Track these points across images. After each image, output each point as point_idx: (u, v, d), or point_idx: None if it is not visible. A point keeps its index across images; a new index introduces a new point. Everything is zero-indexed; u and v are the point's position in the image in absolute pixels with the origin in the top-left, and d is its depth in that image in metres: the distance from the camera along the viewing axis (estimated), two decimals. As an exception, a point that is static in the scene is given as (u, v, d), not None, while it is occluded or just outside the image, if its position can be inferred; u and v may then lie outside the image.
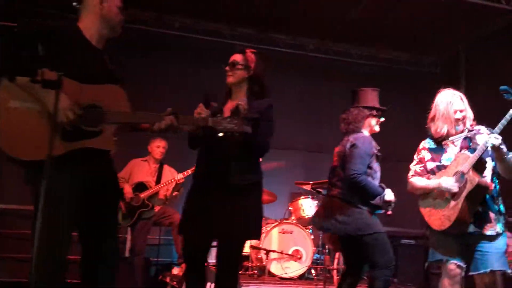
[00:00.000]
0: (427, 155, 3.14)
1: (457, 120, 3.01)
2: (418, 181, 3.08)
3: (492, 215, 2.96)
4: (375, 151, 3.27)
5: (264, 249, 4.90)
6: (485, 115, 7.58)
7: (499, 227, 2.96)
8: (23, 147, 1.98)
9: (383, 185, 3.25)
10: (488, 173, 2.95)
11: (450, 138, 3.03)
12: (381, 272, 3.07)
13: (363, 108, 3.35)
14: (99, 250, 2.17)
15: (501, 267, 2.91)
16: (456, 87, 8.05)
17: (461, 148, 3.03)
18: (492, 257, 2.91)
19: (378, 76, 8.07)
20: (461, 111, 3.02)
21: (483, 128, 2.98)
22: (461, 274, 3.03)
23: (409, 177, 3.13)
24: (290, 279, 4.88)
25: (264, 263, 4.95)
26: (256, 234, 2.69)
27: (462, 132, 3.02)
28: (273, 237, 5.01)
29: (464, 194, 2.88)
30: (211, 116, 2.34)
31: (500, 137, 2.79)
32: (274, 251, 4.93)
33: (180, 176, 5.00)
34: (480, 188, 2.87)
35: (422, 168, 3.13)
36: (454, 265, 3.01)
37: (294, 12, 6.82)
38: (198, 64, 6.98)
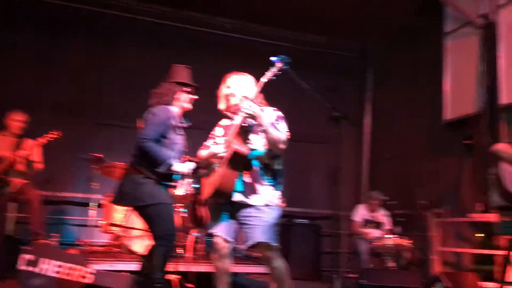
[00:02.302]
0: (218, 132, 3.35)
1: (226, 95, 3.24)
2: (201, 152, 3.29)
3: (259, 186, 3.05)
4: (175, 123, 3.24)
5: (125, 227, 4.85)
6: (394, 98, 7.73)
7: (268, 199, 3.04)
8: None
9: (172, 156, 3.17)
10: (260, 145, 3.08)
11: (230, 113, 3.26)
12: (160, 242, 3.05)
13: (174, 84, 3.35)
14: None
15: (266, 240, 2.96)
16: (368, 70, 8.27)
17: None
18: (259, 229, 2.97)
19: (296, 58, 8.06)
20: (228, 87, 3.24)
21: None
22: (228, 248, 3.09)
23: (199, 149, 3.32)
24: (152, 256, 4.83)
25: (125, 241, 4.90)
26: None
27: (236, 105, 3.20)
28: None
29: (226, 161, 2.99)
30: None
31: (252, 105, 2.91)
32: (136, 229, 4.87)
33: (42, 140, 4.84)
34: (238, 156, 2.97)
35: (212, 143, 3.31)
36: (220, 239, 3.08)
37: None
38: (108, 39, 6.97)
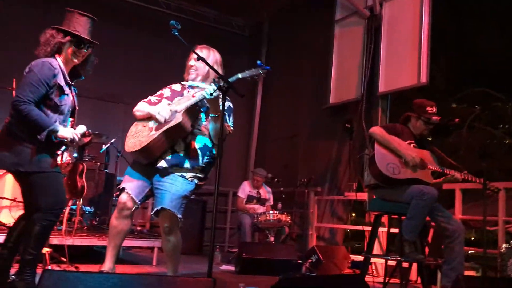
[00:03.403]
0: (167, 93, 3.28)
1: (190, 66, 3.22)
2: (142, 104, 3.20)
3: (188, 162, 3.07)
4: (59, 82, 2.79)
5: (-9, 196, 4.42)
6: (281, 77, 7.87)
7: (189, 174, 3.07)
8: None
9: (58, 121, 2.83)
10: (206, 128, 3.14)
11: (185, 83, 3.27)
12: (43, 215, 2.72)
13: (58, 31, 2.87)
14: None
15: (172, 208, 2.97)
16: (259, 50, 8.33)
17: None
18: (168, 196, 2.98)
19: (185, 30, 7.92)
20: (195, 59, 3.12)
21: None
22: (131, 209, 3.05)
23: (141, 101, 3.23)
24: (22, 228, 4.48)
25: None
26: None
27: (194, 80, 3.23)
28: (6, 183, 4.53)
29: (165, 128, 2.98)
30: None
31: (215, 92, 2.88)
32: (5, 198, 4.47)
33: None
34: (180, 128, 3.00)
35: (157, 100, 3.22)
36: (127, 196, 3.04)
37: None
38: None
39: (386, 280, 3.94)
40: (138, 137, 3.08)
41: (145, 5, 7.68)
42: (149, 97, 3.26)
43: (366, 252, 3.92)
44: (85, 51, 2.95)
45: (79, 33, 2.90)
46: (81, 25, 2.94)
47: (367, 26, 6.13)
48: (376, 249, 5.13)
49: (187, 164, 3.07)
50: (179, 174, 3.04)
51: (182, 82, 3.31)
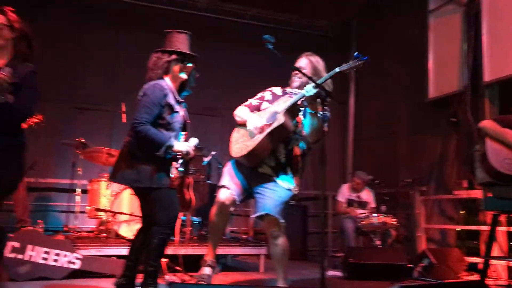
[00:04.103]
0: (268, 96, 3.42)
1: (295, 74, 3.34)
2: (242, 109, 3.38)
3: (288, 169, 3.21)
4: (169, 101, 2.96)
5: (111, 211, 4.79)
6: (373, 74, 7.69)
7: (289, 181, 3.19)
8: None
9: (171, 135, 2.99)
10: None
11: (287, 89, 3.41)
12: (160, 229, 2.89)
13: (163, 53, 3.06)
14: None
15: (276, 214, 3.09)
16: (348, 49, 8.19)
17: None
18: (271, 202, 3.09)
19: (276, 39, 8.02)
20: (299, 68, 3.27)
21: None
22: (230, 206, 3.20)
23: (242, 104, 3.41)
24: (140, 240, 4.80)
25: (112, 226, 4.85)
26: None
27: (298, 88, 3.31)
28: (123, 199, 4.88)
29: (268, 130, 3.10)
30: None
31: (314, 89, 2.92)
32: (122, 213, 4.82)
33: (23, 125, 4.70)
34: (283, 128, 3.09)
35: (257, 103, 3.39)
36: (228, 194, 3.17)
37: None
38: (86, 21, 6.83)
39: (510, 283, 3.65)
40: (243, 141, 3.21)
41: (228, 18, 7.79)
42: (250, 100, 3.40)
43: (485, 254, 3.66)
44: (190, 65, 3.11)
45: (182, 50, 3.08)
46: (181, 42, 3.12)
47: (465, 12, 5.76)
48: (496, 250, 4.77)
49: (288, 171, 3.17)
50: (281, 181, 3.14)
51: (285, 88, 3.39)
